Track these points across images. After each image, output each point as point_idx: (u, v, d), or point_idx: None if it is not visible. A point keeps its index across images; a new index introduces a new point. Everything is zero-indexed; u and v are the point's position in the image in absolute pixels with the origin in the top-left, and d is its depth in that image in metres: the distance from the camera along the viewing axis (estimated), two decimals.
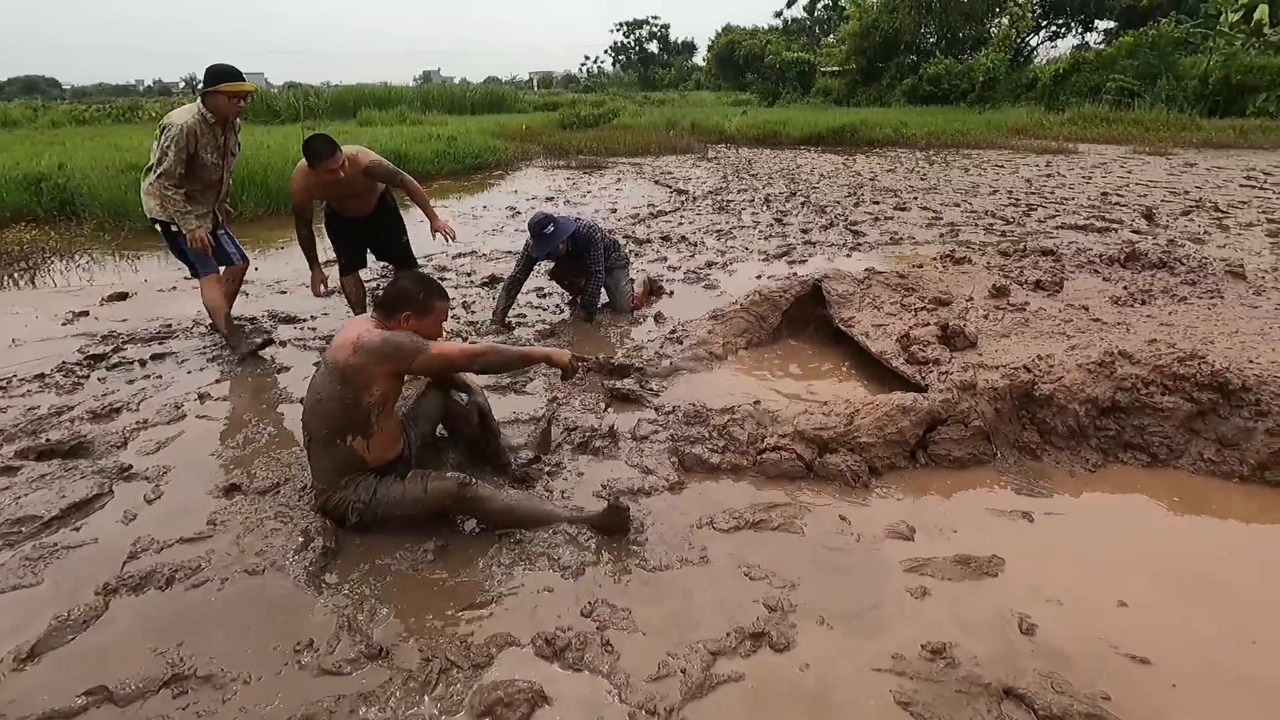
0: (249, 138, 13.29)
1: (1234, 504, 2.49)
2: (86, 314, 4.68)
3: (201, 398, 3.37)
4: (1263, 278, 4.09)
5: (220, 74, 3.64)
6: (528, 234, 4.37)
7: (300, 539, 2.24)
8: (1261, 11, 17.37)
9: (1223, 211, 7.49)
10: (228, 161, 3.89)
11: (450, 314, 4.55)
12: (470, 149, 12.53)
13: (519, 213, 8.19)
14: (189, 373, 3.70)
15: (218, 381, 3.59)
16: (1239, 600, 2.03)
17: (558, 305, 4.76)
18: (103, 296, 5.02)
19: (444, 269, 5.74)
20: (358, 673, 1.79)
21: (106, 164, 8.83)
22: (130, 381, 3.58)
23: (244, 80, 3.69)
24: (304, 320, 4.54)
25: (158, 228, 3.82)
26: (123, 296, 5.05)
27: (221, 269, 3.97)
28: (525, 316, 4.52)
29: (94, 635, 1.91)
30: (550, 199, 9.18)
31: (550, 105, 26.37)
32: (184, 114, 3.66)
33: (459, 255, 6.16)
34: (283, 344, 4.11)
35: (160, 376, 3.64)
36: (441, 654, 1.82)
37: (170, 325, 4.41)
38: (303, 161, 3.76)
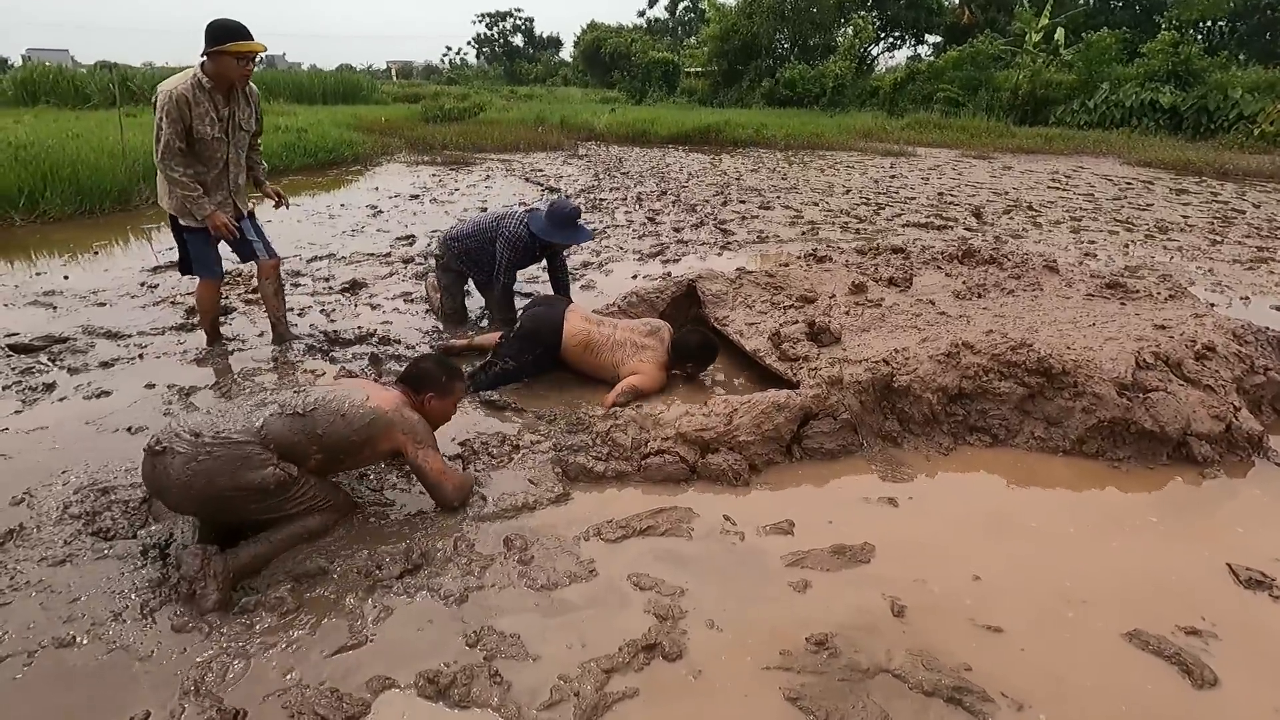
0: (49, 124, 11.60)
1: (1061, 476, 2.80)
2: None
3: None
4: (1071, 271, 4.64)
5: (227, 30, 3.13)
6: (512, 223, 3.94)
7: (120, 591, 1.95)
8: (1060, 34, 19.89)
9: (1035, 210, 8.49)
10: (236, 137, 3.39)
11: (307, 323, 4.20)
12: (324, 142, 11.66)
13: (381, 212, 7.72)
14: None
15: (17, 413, 3.07)
16: (1068, 563, 2.27)
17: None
18: None
19: (298, 274, 5.28)
20: None
21: None
22: None
23: (251, 38, 3.19)
24: (128, 336, 4.00)
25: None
26: None
27: (235, 267, 3.54)
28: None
29: None
30: (415, 197, 8.74)
31: (411, 97, 25.16)
32: (175, 80, 3.14)
33: (315, 259, 5.69)
34: (106, 364, 3.59)
35: None
36: (309, 709, 1.65)
37: None
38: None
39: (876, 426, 2.98)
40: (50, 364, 3.57)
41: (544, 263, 4.26)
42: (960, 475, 2.81)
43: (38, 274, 5.16)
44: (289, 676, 1.75)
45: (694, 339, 3.42)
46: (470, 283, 4.37)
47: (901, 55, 31.82)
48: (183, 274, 3.79)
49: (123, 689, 1.70)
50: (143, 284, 4.96)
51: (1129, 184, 10.83)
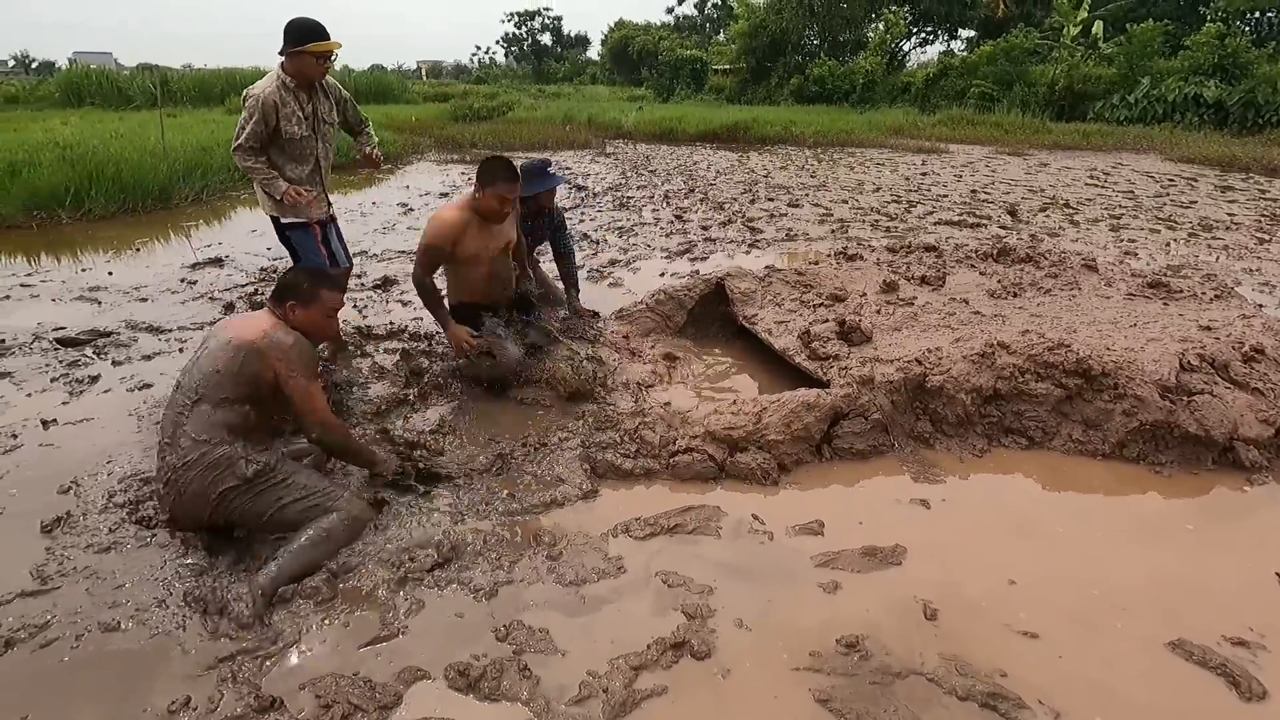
0: (94, 125, 11.96)
1: (1100, 480, 2.73)
2: None
3: (46, 424, 2.97)
4: (1111, 270, 4.52)
5: (306, 31, 3.16)
6: None
7: (162, 579, 2.01)
8: (1098, 27, 19.37)
9: (1073, 208, 8.28)
10: (322, 131, 3.41)
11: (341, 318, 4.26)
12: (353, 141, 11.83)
13: (411, 209, 7.82)
14: (28, 395, 3.25)
15: (64, 404, 3.18)
16: (1107, 569, 2.21)
17: None
18: None
19: None
20: None
21: None
22: None
23: (329, 37, 3.22)
24: (168, 330, 4.11)
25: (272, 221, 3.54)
26: None
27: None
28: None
29: None
30: (445, 195, 8.83)
31: (441, 96, 25.40)
32: (263, 84, 3.22)
33: None
34: (148, 357, 3.70)
35: None
36: (343, 698, 1.68)
37: (3, 340, 3.86)
38: (462, 196, 3.14)
39: (908, 427, 2.94)
40: (95, 357, 3.68)
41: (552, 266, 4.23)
42: (995, 478, 2.75)
43: (83, 270, 5.32)
44: (323, 666, 1.78)
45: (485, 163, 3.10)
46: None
47: (933, 50, 31.31)
48: None
49: (164, 674, 1.75)
50: (182, 280, 5.08)
51: (1171, 181, 10.52)
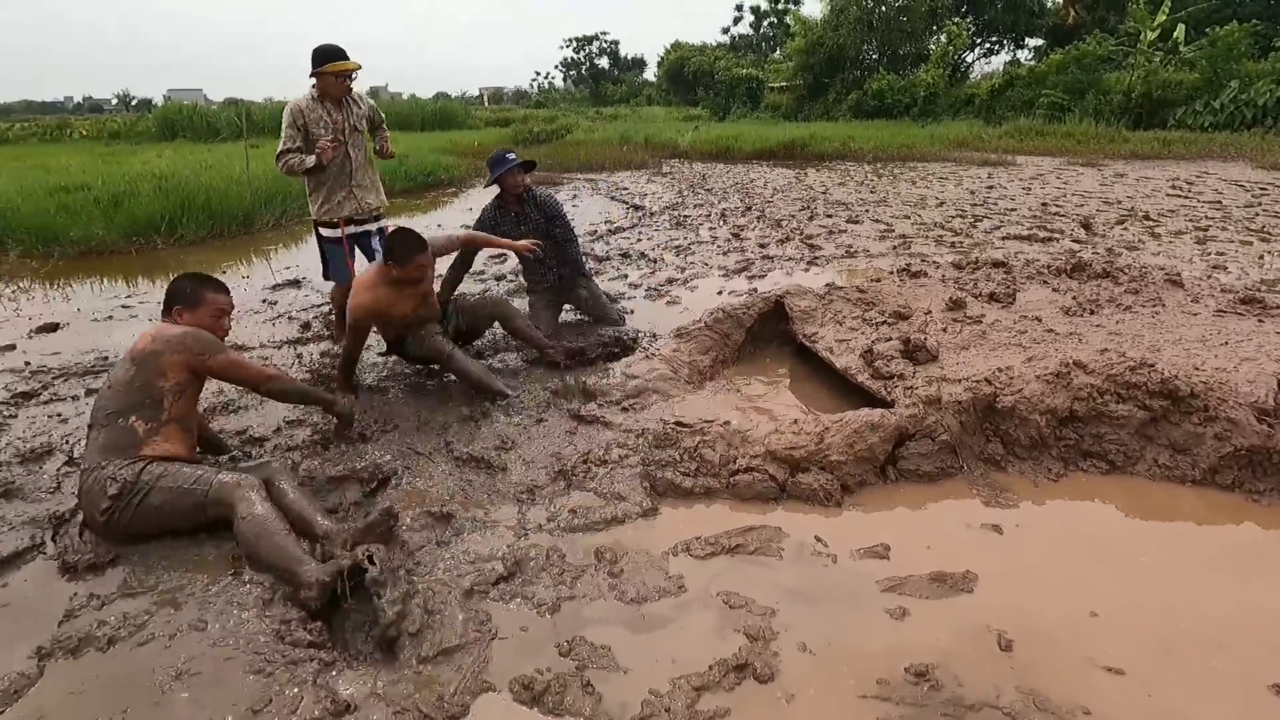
0: (186, 157, 12.84)
1: (1189, 508, 2.57)
2: (13, 347, 4.39)
3: None
4: (1198, 285, 4.28)
5: (324, 54, 3.72)
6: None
7: (253, 588, 2.11)
8: (1179, 30, 18.47)
9: (1154, 220, 7.87)
10: (352, 138, 3.90)
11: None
12: (422, 166, 12.34)
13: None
14: None
15: None
16: (1198, 603, 2.08)
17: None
18: (31, 328, 4.73)
19: None
20: None
21: (33, 186, 8.39)
22: (63, 420, 3.35)
23: (347, 59, 3.76)
24: (252, 348, 4.34)
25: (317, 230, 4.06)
26: (53, 328, 4.76)
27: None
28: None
29: (27, 707, 1.76)
30: None
31: (502, 121, 26.23)
32: (298, 97, 3.82)
33: None
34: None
35: None
36: (414, 707, 1.73)
37: (106, 358, 4.17)
38: (373, 271, 3.33)
39: (978, 449, 2.84)
40: None
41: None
42: (1072, 503, 2.63)
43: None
44: (394, 674, 1.84)
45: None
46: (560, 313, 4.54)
47: (998, 61, 30.47)
48: (325, 279, 4.29)
49: (246, 676, 1.84)
50: (264, 300, 5.38)
51: (1264, 189, 9.88)
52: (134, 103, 63.34)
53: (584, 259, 4.40)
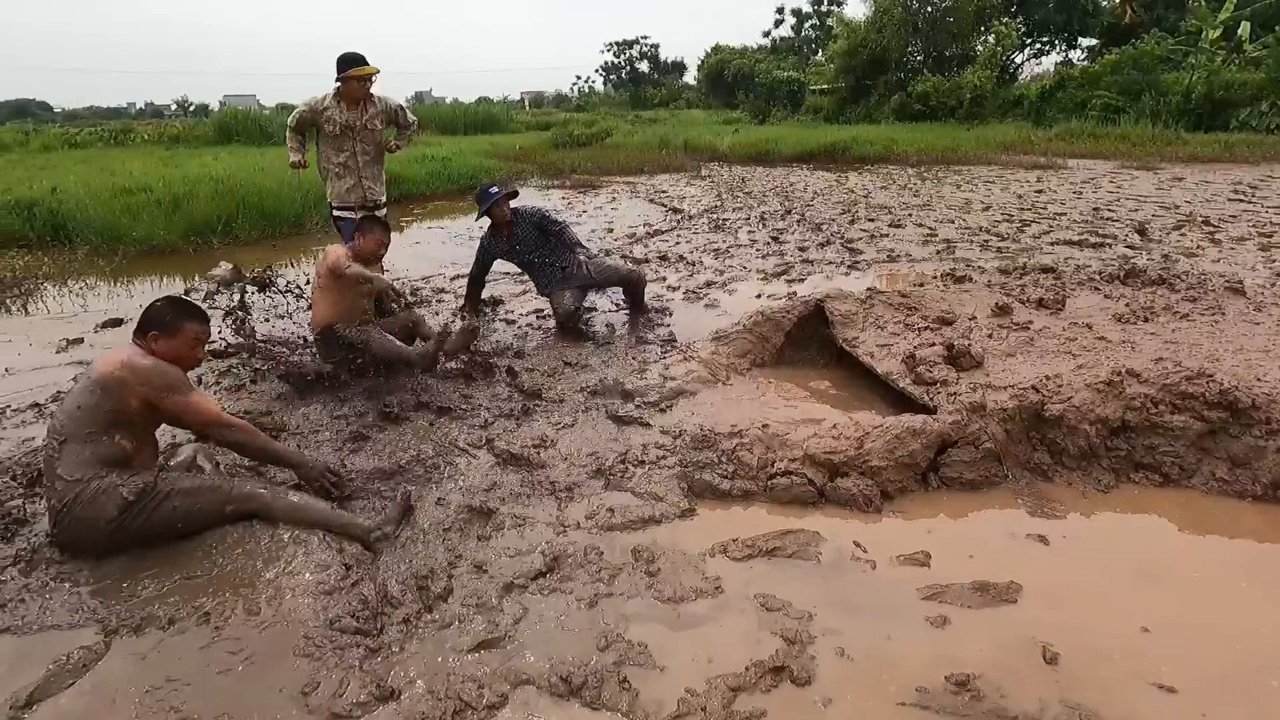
0: (241, 160, 13.30)
1: (1248, 524, 2.48)
2: (81, 341, 4.62)
3: None
4: (1261, 293, 4.11)
5: (346, 61, 4.23)
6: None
7: (304, 576, 2.19)
8: (1245, 28, 17.71)
9: (1214, 226, 7.57)
10: (362, 135, 4.39)
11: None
12: (464, 169, 12.56)
13: None
14: None
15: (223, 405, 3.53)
16: (1256, 623, 2.00)
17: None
18: (97, 323, 4.96)
19: (442, 290, 5.71)
20: (368, 716, 1.74)
21: (100, 188, 8.79)
22: None
23: (367, 64, 4.26)
24: (301, 345, 4.48)
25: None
26: (118, 323, 4.99)
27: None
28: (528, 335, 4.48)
29: (93, 679, 1.85)
30: None
31: (543, 125, 26.51)
32: (323, 93, 4.36)
33: (457, 276, 6.12)
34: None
35: None
36: (455, 695, 1.77)
37: None
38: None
39: (1023, 458, 2.78)
40: (241, 368, 4.08)
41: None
42: (1123, 516, 2.55)
43: (233, 293, 5.92)
44: (438, 664, 1.89)
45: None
46: (585, 296, 4.71)
47: (1049, 62, 29.62)
48: None
49: (297, 660, 1.91)
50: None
51: None
52: (192, 108, 65.90)
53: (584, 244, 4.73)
